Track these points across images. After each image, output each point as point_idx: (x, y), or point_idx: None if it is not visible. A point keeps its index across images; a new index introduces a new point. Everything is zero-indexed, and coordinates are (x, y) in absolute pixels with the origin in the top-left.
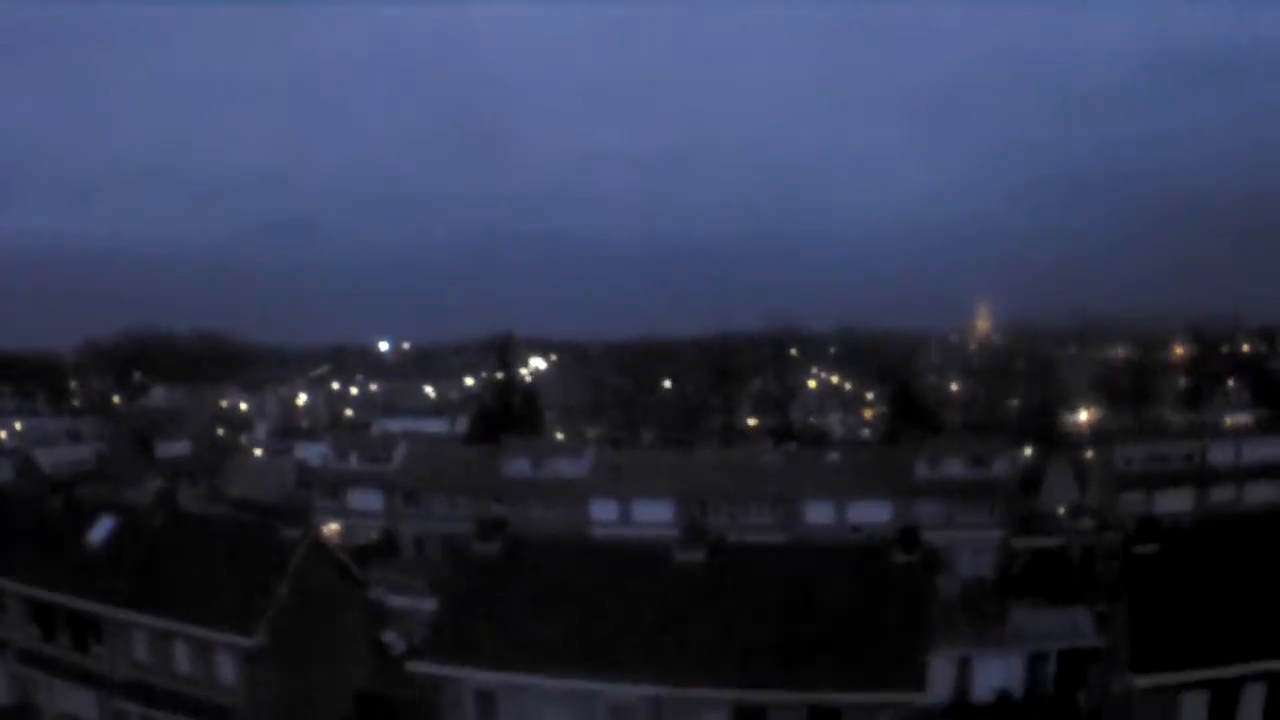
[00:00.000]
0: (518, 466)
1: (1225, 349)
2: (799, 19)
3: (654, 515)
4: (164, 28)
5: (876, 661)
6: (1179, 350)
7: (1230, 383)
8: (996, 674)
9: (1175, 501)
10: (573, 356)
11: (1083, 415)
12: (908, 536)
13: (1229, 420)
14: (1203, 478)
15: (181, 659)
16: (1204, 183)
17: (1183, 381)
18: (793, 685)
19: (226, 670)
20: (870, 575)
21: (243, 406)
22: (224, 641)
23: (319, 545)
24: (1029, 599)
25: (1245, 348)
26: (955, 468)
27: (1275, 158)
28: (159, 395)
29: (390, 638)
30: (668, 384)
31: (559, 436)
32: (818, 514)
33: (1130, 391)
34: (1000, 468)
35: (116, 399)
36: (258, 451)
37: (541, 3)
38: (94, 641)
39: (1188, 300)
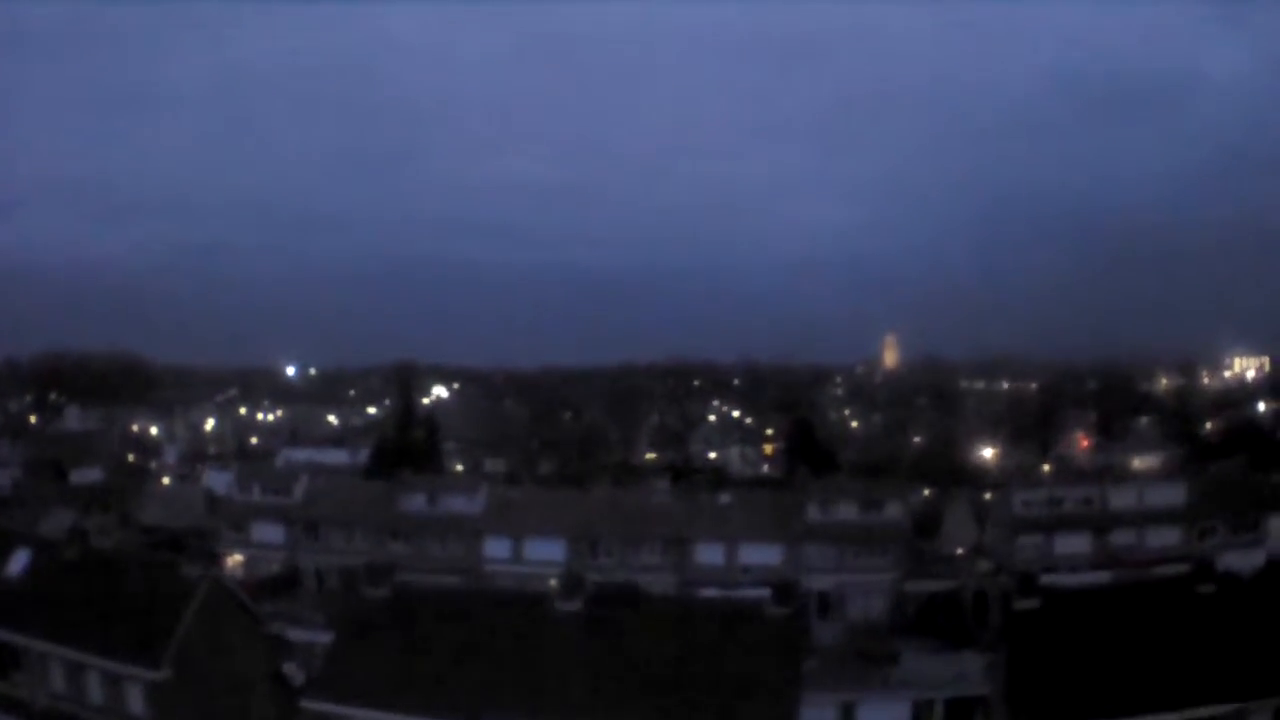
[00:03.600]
0: (414, 502)
1: (1140, 385)
2: (711, 52)
3: (545, 554)
4: (74, 39)
5: (748, 713)
6: (1091, 385)
7: (1142, 420)
8: (882, 719)
9: (1074, 545)
10: (475, 385)
11: (987, 453)
12: (782, 590)
13: (1136, 461)
14: (1103, 522)
15: (94, 690)
16: (1120, 216)
17: (1091, 419)
18: None
19: (136, 702)
20: (744, 628)
21: (153, 430)
22: (132, 674)
23: (220, 583)
24: (920, 643)
25: (1162, 382)
26: (848, 510)
27: (1191, 189)
28: (73, 416)
29: (290, 670)
30: (568, 415)
31: (458, 468)
32: (708, 555)
33: (1036, 429)
34: (894, 510)
35: (33, 418)
36: (166, 480)
37: (450, 28)
38: (13, 670)
39: (1104, 334)
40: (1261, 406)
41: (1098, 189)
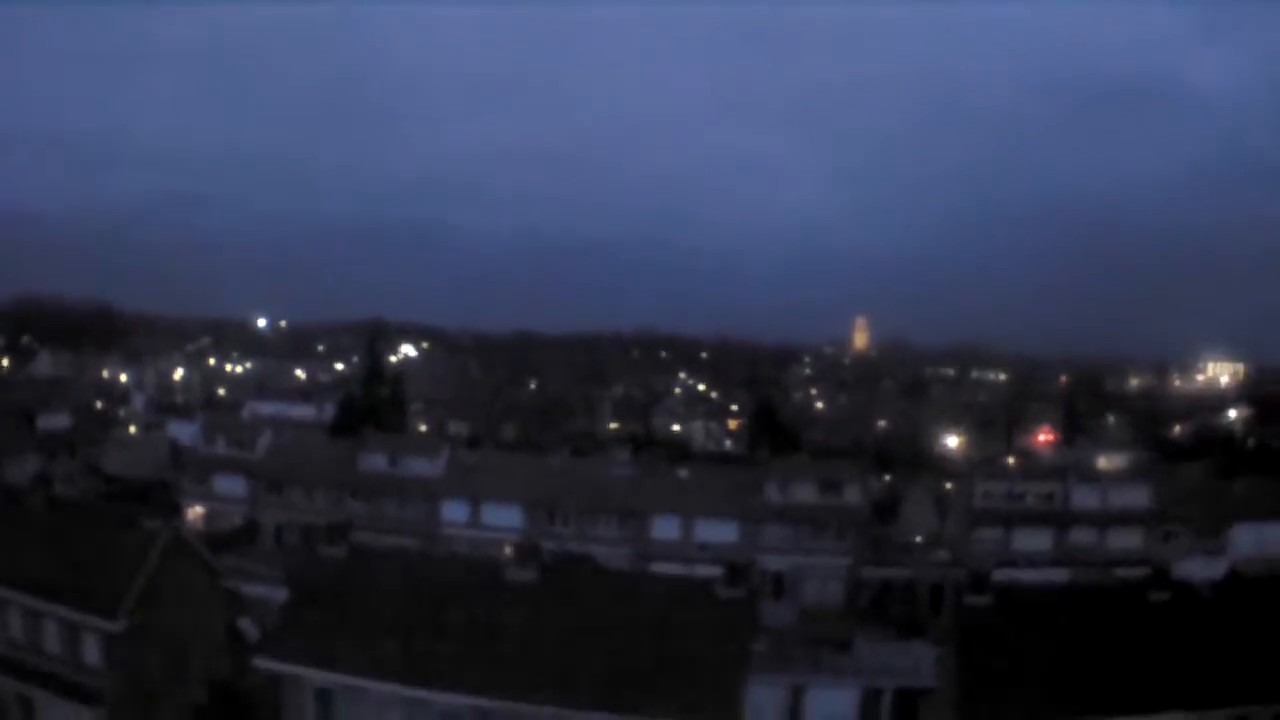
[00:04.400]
0: (374, 462)
1: (1111, 384)
2: (692, 26)
3: (503, 520)
4: None
5: (693, 692)
6: (1061, 380)
7: (1110, 419)
8: (830, 705)
9: (1033, 541)
10: (443, 346)
11: (952, 441)
12: (734, 571)
13: (1102, 460)
14: (1064, 519)
15: (52, 640)
16: (1101, 217)
17: (1058, 414)
18: (609, 708)
19: (92, 653)
20: (694, 607)
21: (122, 378)
22: (89, 624)
23: (180, 537)
24: (873, 630)
25: (1133, 383)
26: (807, 492)
27: (1173, 193)
28: (44, 362)
29: (246, 625)
30: (534, 381)
31: (422, 429)
32: (665, 530)
33: (1003, 420)
34: (853, 494)
35: (5, 362)
36: (133, 428)
37: None
38: None
39: (1078, 332)
40: (1233, 413)
41: (1079, 189)
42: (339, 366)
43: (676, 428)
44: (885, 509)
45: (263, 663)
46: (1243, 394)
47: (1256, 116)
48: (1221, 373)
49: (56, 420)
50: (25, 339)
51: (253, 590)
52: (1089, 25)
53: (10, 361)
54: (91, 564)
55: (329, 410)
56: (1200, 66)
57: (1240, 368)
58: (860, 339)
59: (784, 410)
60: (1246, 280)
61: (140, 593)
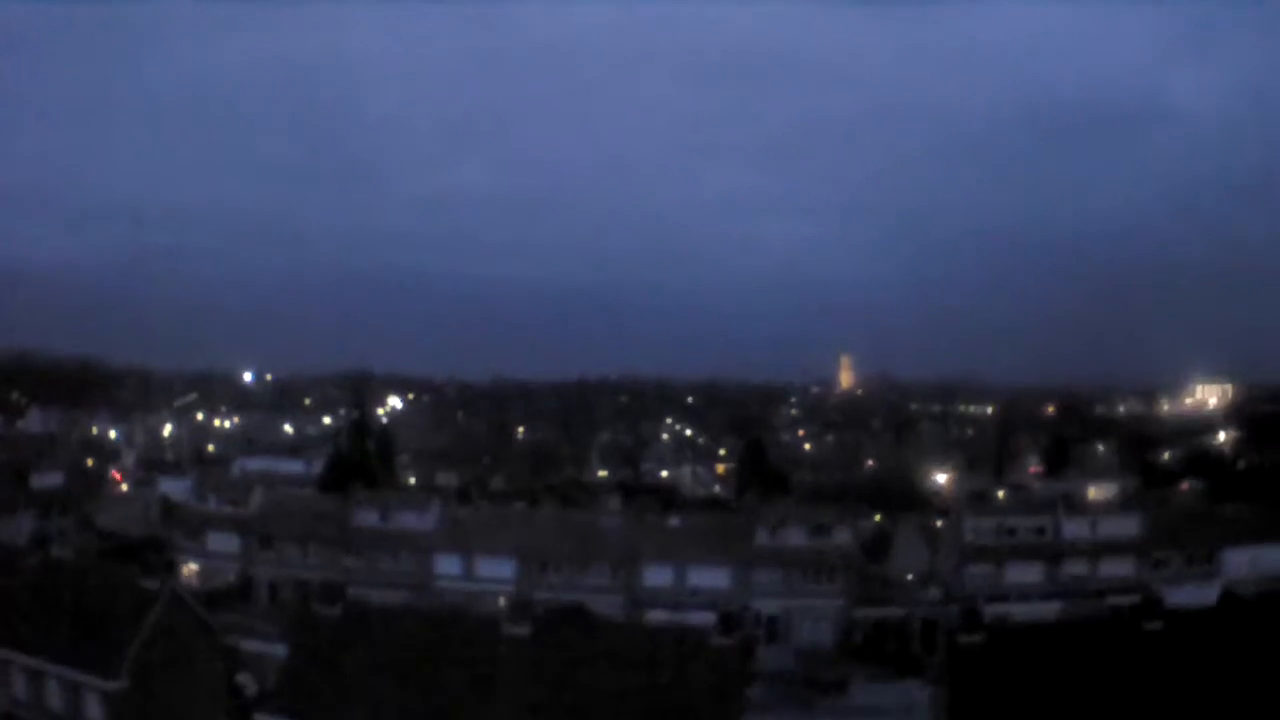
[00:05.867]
0: (366, 518)
1: (1098, 411)
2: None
3: (496, 572)
4: (37, 45)
5: None
6: (1048, 410)
7: (1099, 447)
8: None
9: (1025, 574)
10: (428, 396)
11: (941, 477)
12: (727, 618)
13: (1092, 488)
14: (1055, 552)
15: (54, 697)
16: (1083, 242)
17: (1046, 445)
18: None
19: (94, 710)
20: (689, 656)
21: (112, 434)
22: (90, 683)
23: (178, 595)
24: (868, 670)
25: (1121, 408)
26: (798, 535)
27: (1155, 217)
28: (35, 418)
29: (244, 680)
30: (520, 430)
31: (411, 481)
32: (657, 577)
33: (991, 453)
34: (843, 536)
35: None
36: (124, 485)
37: (403, 44)
38: None
39: (1064, 360)
40: (1222, 435)
41: (1060, 215)
42: (326, 420)
43: (665, 474)
44: (876, 548)
45: (266, 718)
46: (1231, 416)
47: (1236, 134)
48: (1209, 395)
49: (49, 478)
50: (15, 395)
51: (250, 646)
52: (1068, 51)
53: (1, 417)
54: (91, 624)
55: (318, 465)
56: (1182, 87)
57: (1228, 389)
58: (845, 378)
59: (772, 452)
60: (1232, 300)
61: (140, 651)
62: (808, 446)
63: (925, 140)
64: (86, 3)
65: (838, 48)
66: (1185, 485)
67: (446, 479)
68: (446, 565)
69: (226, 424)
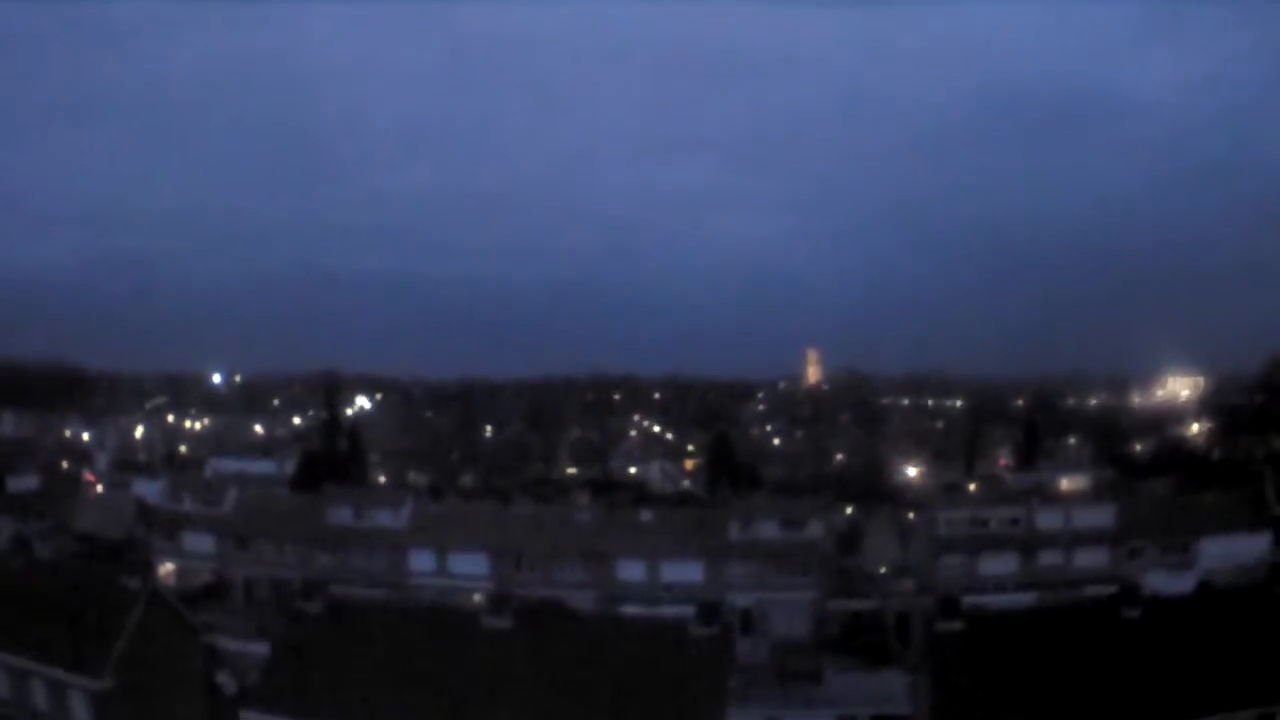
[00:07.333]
0: (340, 515)
1: (1069, 403)
2: (628, 61)
3: (470, 568)
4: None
5: None
6: (1019, 403)
7: (1071, 439)
8: None
9: (999, 566)
10: (397, 396)
11: (911, 470)
12: (706, 609)
13: (1065, 480)
14: (1029, 543)
15: (39, 697)
16: (1053, 234)
17: (1018, 437)
18: None
19: (79, 709)
20: (670, 647)
21: (84, 437)
22: (75, 683)
23: (158, 594)
24: (843, 661)
25: (1093, 400)
26: (769, 528)
27: (1126, 208)
28: (8, 422)
29: (224, 679)
30: (488, 428)
31: (382, 480)
32: (630, 572)
33: (962, 446)
34: (815, 529)
35: None
36: (100, 487)
37: (361, 40)
38: None
39: (1034, 352)
40: (1195, 427)
41: (1029, 208)
42: (296, 420)
43: (634, 470)
44: (848, 541)
45: (249, 716)
46: (1204, 407)
47: (1203, 125)
48: (1182, 386)
49: (25, 481)
50: None
51: (228, 644)
52: (1035, 41)
53: None
54: (75, 623)
55: (289, 465)
56: (1144, 79)
57: (1200, 380)
58: (813, 372)
59: (740, 447)
60: (1202, 291)
61: (123, 650)
62: (776, 441)
63: (893, 135)
64: (43, 4)
65: (803, 43)
66: (1159, 477)
67: (417, 478)
68: (421, 562)
69: (197, 425)
